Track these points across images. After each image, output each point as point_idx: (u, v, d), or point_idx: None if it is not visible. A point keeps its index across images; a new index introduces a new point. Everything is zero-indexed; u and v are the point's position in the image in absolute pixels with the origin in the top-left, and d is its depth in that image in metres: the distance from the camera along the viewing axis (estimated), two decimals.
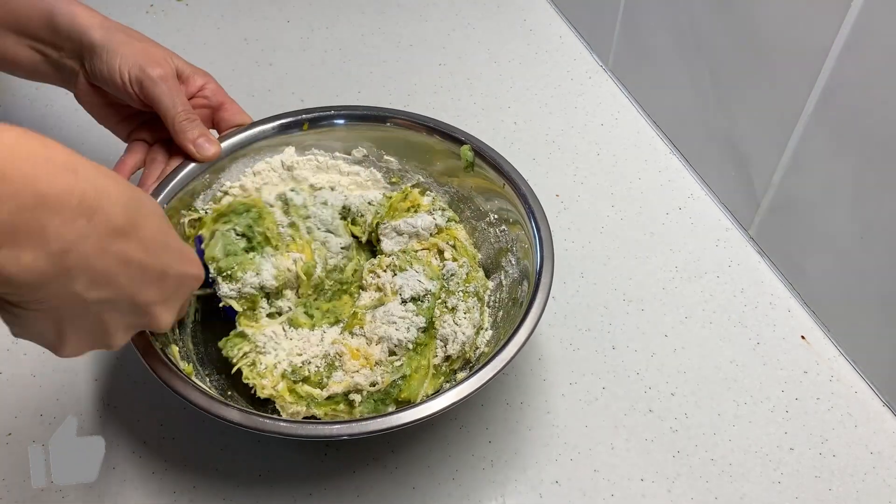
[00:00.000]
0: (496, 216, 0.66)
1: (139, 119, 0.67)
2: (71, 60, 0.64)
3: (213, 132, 0.66)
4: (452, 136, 0.67)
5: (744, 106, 0.71)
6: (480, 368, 0.53)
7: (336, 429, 0.51)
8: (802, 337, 0.69)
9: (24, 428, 0.62)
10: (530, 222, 0.61)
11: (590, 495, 0.59)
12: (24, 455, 0.60)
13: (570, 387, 0.65)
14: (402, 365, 0.59)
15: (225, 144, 0.65)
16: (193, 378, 0.55)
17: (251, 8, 1.00)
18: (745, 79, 0.70)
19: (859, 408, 0.64)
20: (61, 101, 0.85)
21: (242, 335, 0.60)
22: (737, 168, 0.74)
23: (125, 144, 0.67)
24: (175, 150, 0.64)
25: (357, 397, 0.58)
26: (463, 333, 0.60)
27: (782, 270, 0.72)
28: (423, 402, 0.52)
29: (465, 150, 0.66)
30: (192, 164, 0.64)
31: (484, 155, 0.66)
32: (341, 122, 0.69)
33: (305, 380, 0.59)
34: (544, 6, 1.00)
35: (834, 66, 0.60)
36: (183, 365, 0.56)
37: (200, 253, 0.61)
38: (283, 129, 0.68)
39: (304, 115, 0.68)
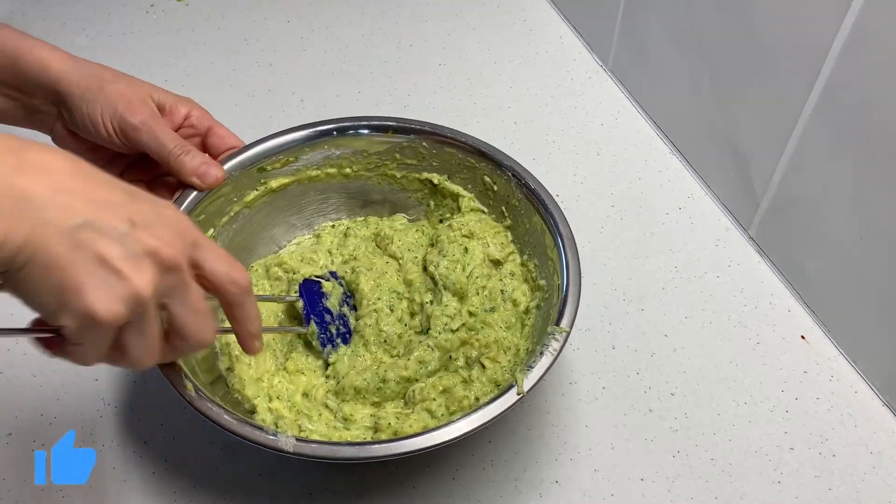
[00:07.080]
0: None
1: (128, 158, 0.62)
2: (46, 107, 0.59)
3: None
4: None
5: (744, 106, 0.71)
6: (495, 399, 0.53)
7: (351, 451, 0.51)
8: (802, 337, 0.69)
9: (24, 428, 0.62)
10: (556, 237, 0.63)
11: (590, 495, 0.59)
12: (24, 455, 0.60)
13: (570, 387, 0.65)
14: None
15: (227, 166, 0.63)
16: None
17: (251, 8, 1.00)
18: (745, 79, 0.70)
19: (859, 408, 0.64)
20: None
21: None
22: (737, 168, 0.74)
23: None
24: (177, 183, 0.61)
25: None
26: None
27: (782, 270, 0.72)
28: (433, 429, 0.52)
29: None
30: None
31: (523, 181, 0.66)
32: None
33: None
34: (544, 6, 1.00)
35: (834, 65, 0.60)
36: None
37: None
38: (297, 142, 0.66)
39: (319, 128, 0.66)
